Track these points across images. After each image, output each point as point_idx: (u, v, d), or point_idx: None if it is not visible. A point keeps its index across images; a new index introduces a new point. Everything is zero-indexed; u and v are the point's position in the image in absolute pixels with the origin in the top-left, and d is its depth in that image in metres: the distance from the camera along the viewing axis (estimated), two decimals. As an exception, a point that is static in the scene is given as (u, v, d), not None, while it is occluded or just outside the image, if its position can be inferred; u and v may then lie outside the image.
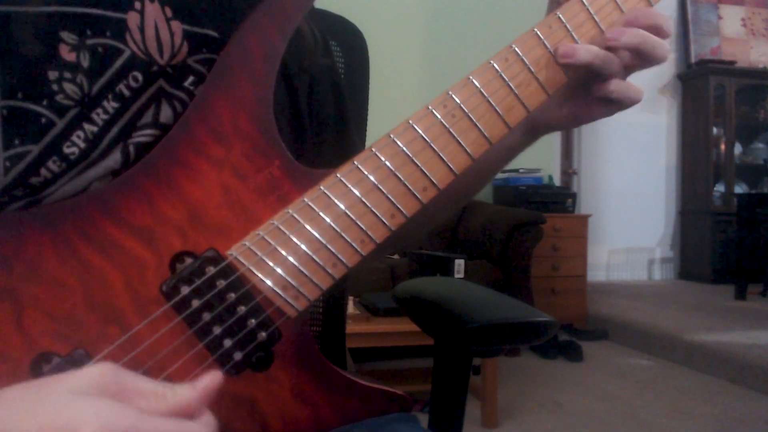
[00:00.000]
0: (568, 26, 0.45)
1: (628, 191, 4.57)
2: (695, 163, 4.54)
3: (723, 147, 4.46)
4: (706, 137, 4.44)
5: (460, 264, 2.25)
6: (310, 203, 0.41)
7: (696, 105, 4.53)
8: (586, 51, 0.44)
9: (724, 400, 2.29)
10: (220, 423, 0.40)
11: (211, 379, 0.34)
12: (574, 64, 0.44)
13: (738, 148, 4.56)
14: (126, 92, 0.41)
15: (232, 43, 0.42)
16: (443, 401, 0.66)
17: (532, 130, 0.55)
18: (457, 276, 2.24)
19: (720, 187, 4.47)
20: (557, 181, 3.95)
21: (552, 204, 3.46)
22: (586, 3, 0.45)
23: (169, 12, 0.42)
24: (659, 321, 3.08)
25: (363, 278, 2.39)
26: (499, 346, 0.63)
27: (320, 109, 0.53)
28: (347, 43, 0.75)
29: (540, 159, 3.61)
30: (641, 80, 0.44)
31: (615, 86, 0.47)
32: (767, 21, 4.73)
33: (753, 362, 2.43)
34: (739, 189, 4.46)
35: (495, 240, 2.71)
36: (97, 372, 0.29)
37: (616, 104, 0.49)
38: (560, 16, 0.44)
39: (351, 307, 2.05)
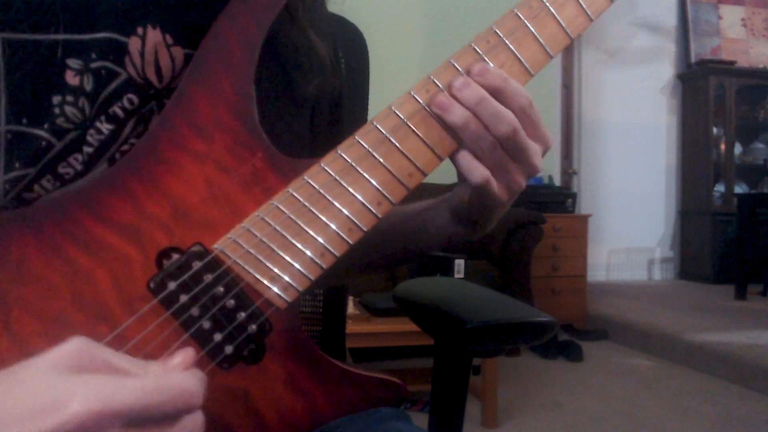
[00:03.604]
0: (550, 7, 0.43)
1: (628, 191, 4.58)
2: (695, 163, 4.54)
3: (723, 147, 4.46)
4: (706, 137, 4.44)
5: (460, 264, 2.25)
6: (294, 194, 0.41)
7: (696, 105, 4.53)
8: (460, 115, 0.41)
9: (724, 400, 2.29)
10: (214, 418, 0.40)
11: (184, 356, 0.34)
12: (444, 120, 0.42)
13: (738, 148, 4.57)
14: (120, 114, 0.42)
15: (210, 35, 0.42)
16: (443, 401, 0.66)
17: (454, 215, 0.52)
18: (457, 276, 2.24)
19: (720, 187, 4.47)
20: (557, 181, 3.95)
21: (552, 204, 3.46)
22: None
23: (169, 39, 0.43)
24: (659, 321, 3.08)
25: (363, 278, 2.39)
26: (499, 346, 0.63)
27: (317, 129, 0.54)
28: (347, 43, 0.75)
29: (540, 159, 3.61)
30: (642, 78, 0.43)
31: (459, 156, 0.43)
32: (767, 21, 4.73)
33: (753, 362, 2.43)
34: (739, 189, 4.46)
35: (495, 240, 2.71)
36: (71, 348, 0.30)
37: (471, 185, 0.44)
38: None
39: (351, 307, 2.05)
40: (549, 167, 3.81)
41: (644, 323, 3.09)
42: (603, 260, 4.59)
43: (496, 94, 0.42)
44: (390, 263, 0.61)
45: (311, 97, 0.52)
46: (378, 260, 0.61)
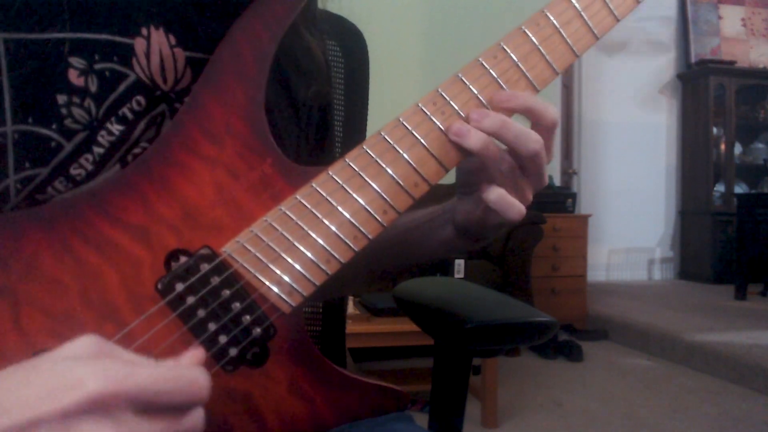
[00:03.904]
0: (555, 22, 0.44)
1: (628, 191, 4.58)
2: (695, 163, 4.54)
3: (723, 147, 4.46)
4: (706, 137, 4.44)
5: (460, 264, 2.25)
6: (302, 200, 0.41)
7: (696, 105, 4.53)
8: (478, 138, 0.42)
9: (724, 400, 2.29)
10: (217, 420, 0.41)
11: (193, 355, 0.35)
12: (461, 145, 0.42)
13: (738, 148, 4.57)
14: (129, 115, 0.42)
15: (223, 45, 0.43)
16: (443, 401, 0.66)
17: (460, 231, 0.52)
18: (457, 276, 2.24)
19: (720, 187, 4.47)
20: (557, 181, 3.95)
21: (552, 204, 3.46)
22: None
23: (173, 39, 0.43)
24: (659, 321, 3.08)
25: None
26: (499, 346, 0.63)
27: (307, 140, 0.55)
28: (347, 43, 0.75)
29: (540, 159, 3.60)
30: (642, 78, 0.44)
31: (494, 195, 0.43)
32: (767, 21, 4.74)
33: (753, 362, 2.43)
34: (739, 189, 4.46)
35: (495, 240, 2.71)
36: (84, 342, 0.30)
37: (498, 215, 0.45)
38: (547, 12, 0.44)
39: (351, 307, 2.05)
40: (549, 167, 3.79)
41: (644, 323, 3.09)
42: (603, 260, 4.59)
43: (527, 113, 0.43)
44: (390, 274, 0.62)
45: (308, 101, 0.53)
46: (378, 272, 0.62)
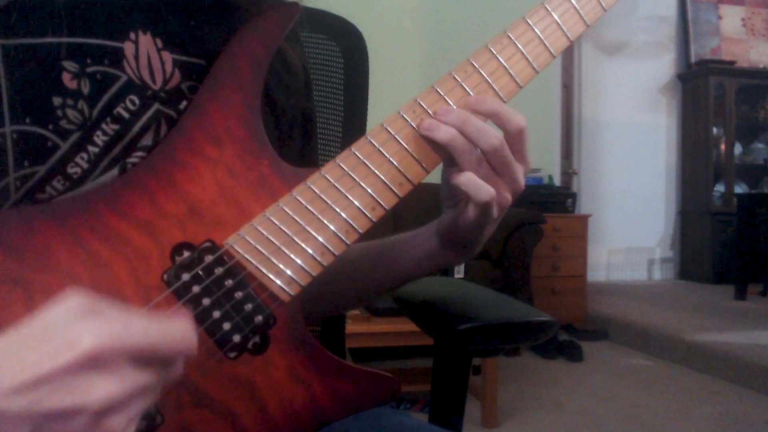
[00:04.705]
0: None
1: (628, 191, 4.58)
2: (695, 163, 4.55)
3: (723, 147, 4.46)
4: (706, 137, 4.44)
5: (460, 264, 2.25)
6: (297, 197, 0.45)
7: (696, 105, 4.53)
8: (446, 132, 0.46)
9: (724, 400, 2.29)
10: (221, 405, 0.44)
11: (179, 311, 0.36)
12: (433, 139, 0.46)
13: (738, 148, 4.57)
14: (125, 114, 0.45)
15: (223, 57, 0.47)
16: (443, 401, 0.66)
17: (444, 240, 0.54)
18: (457, 276, 2.24)
19: (720, 187, 4.48)
20: (557, 181, 3.95)
21: (552, 204, 3.46)
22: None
23: (159, 43, 0.47)
24: (659, 321, 3.08)
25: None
26: (498, 345, 0.64)
27: (289, 147, 0.58)
28: (347, 43, 0.76)
29: (540, 159, 3.60)
30: (642, 79, 0.45)
31: (463, 177, 0.46)
32: (767, 21, 4.74)
33: (753, 362, 2.43)
34: (739, 189, 4.46)
35: (495, 240, 2.71)
36: (73, 300, 0.31)
37: (470, 204, 0.48)
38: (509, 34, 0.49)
39: (351, 307, 2.05)
40: (549, 167, 3.81)
41: (644, 323, 3.09)
42: (603, 260, 4.59)
43: (493, 117, 0.47)
44: (380, 293, 0.63)
45: (288, 111, 0.56)
46: (370, 291, 0.63)
